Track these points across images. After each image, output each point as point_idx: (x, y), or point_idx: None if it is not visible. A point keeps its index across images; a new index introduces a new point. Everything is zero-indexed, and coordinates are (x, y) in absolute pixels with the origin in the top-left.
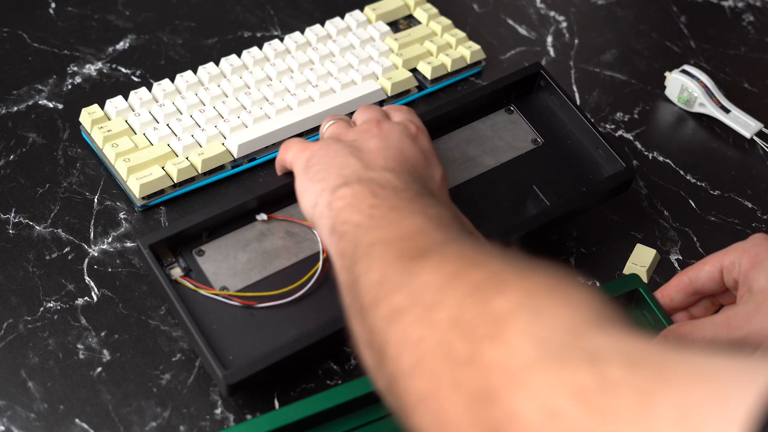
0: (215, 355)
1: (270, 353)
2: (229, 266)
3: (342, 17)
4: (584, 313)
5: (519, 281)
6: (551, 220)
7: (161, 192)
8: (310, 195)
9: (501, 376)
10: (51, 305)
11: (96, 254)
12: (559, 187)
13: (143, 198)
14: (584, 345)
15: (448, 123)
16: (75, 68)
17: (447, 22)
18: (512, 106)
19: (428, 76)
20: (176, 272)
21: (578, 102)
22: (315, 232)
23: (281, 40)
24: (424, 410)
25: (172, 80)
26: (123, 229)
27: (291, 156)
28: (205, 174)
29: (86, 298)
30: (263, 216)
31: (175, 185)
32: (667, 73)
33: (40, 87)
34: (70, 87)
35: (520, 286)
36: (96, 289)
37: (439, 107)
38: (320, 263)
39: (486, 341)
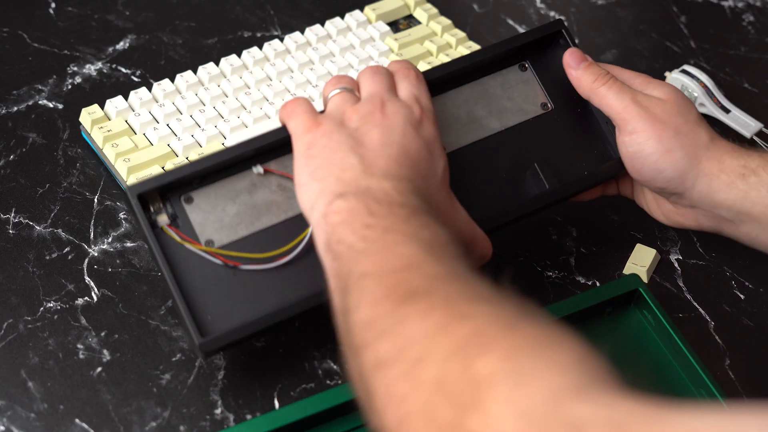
0: (192, 317)
1: (248, 324)
2: (216, 218)
3: (342, 17)
4: (569, 377)
5: (503, 340)
6: (546, 204)
7: None
8: (308, 193)
9: None
10: (51, 305)
11: (96, 254)
12: (560, 164)
13: None
14: (567, 414)
15: (458, 77)
16: (75, 68)
17: (447, 22)
18: (527, 63)
19: None
20: (163, 219)
21: None
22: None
23: (281, 40)
24: None
25: (172, 80)
26: (123, 229)
27: (293, 127)
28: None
29: (86, 298)
30: (259, 169)
31: None
32: (667, 73)
33: (40, 87)
34: (70, 87)
35: (503, 347)
36: (96, 289)
37: (451, 64)
38: (310, 229)
39: (468, 409)
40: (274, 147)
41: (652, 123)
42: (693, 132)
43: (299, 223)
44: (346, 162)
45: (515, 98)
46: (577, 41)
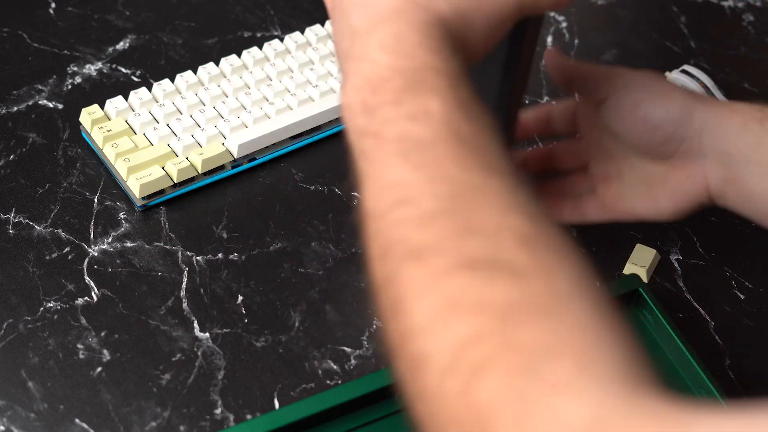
0: None
1: None
2: None
3: None
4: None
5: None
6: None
7: (161, 192)
8: (341, 45)
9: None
10: (51, 305)
11: (96, 254)
12: None
13: (143, 198)
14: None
15: None
16: (75, 68)
17: None
18: None
19: None
20: None
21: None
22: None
23: (281, 40)
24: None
25: (172, 80)
26: (123, 229)
27: None
28: (205, 174)
29: (86, 298)
30: None
31: (175, 185)
32: (667, 73)
33: (40, 87)
34: (70, 87)
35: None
36: (96, 289)
37: None
38: None
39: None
40: None
41: (637, 73)
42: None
43: None
44: None
45: None
46: (577, 41)
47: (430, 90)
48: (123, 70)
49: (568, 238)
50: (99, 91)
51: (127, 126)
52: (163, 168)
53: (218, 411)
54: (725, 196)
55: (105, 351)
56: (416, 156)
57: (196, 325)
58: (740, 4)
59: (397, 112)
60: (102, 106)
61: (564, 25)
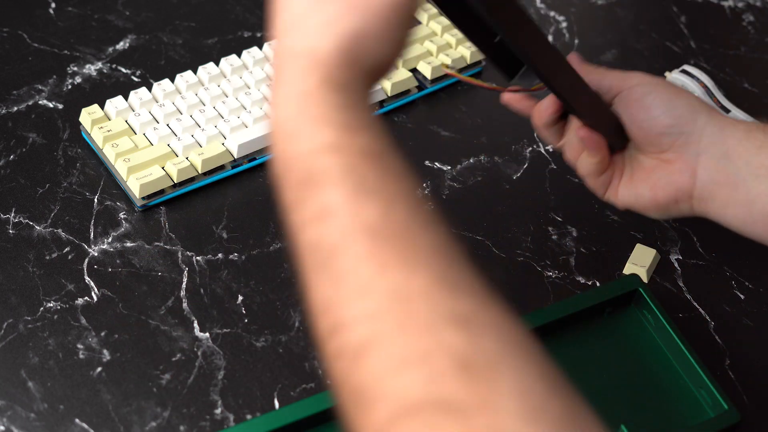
0: None
1: None
2: None
3: None
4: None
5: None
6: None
7: (161, 192)
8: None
9: None
10: (51, 305)
11: (96, 254)
12: None
13: (143, 198)
14: None
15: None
16: (75, 68)
17: (447, 22)
18: None
19: (428, 76)
20: None
21: None
22: None
23: None
24: None
25: (172, 80)
26: (123, 229)
27: None
28: (205, 174)
29: (86, 298)
30: None
31: (175, 185)
32: (667, 73)
33: (40, 87)
34: (70, 87)
35: None
36: (96, 289)
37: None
38: None
39: None
40: None
41: (654, 77)
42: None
43: None
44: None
45: None
46: (576, 41)
47: (326, 180)
48: (123, 70)
49: (506, 310)
50: (99, 91)
51: (127, 126)
52: (163, 168)
53: (218, 411)
54: (709, 199)
55: (105, 351)
56: (332, 268)
57: (196, 325)
58: (740, 4)
59: (302, 217)
60: (102, 106)
61: (564, 25)
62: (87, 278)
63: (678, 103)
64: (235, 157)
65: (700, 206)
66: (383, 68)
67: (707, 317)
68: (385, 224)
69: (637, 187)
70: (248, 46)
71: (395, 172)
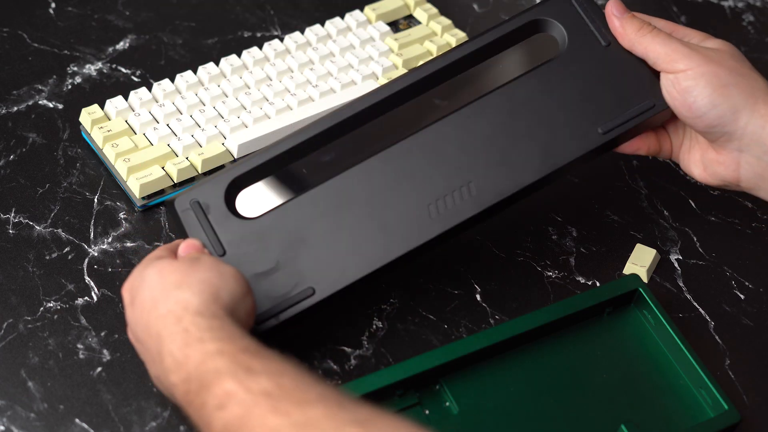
0: None
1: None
2: None
3: (342, 17)
4: None
5: None
6: (597, 148)
7: (161, 192)
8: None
9: None
10: (51, 305)
11: (96, 254)
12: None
13: (143, 198)
14: None
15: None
16: (75, 68)
17: (447, 22)
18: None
19: None
20: None
21: None
22: None
23: (281, 40)
24: None
25: (172, 80)
26: (123, 229)
27: None
28: (205, 174)
29: (86, 298)
30: None
31: (175, 185)
32: None
33: (40, 87)
34: (70, 87)
35: None
36: (96, 289)
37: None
38: None
39: None
40: None
41: (706, 61)
42: (750, 75)
43: None
44: None
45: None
46: None
47: (219, 376)
48: (123, 70)
49: (400, 417)
50: (99, 91)
51: (127, 126)
52: (163, 168)
53: None
54: (755, 188)
55: (105, 351)
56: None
57: None
58: (740, 4)
59: (208, 412)
60: (102, 106)
61: None
62: (87, 278)
63: (720, 101)
64: (235, 157)
65: (750, 192)
66: (238, 303)
67: (707, 317)
68: (278, 388)
69: (691, 163)
70: (248, 46)
71: (277, 359)
